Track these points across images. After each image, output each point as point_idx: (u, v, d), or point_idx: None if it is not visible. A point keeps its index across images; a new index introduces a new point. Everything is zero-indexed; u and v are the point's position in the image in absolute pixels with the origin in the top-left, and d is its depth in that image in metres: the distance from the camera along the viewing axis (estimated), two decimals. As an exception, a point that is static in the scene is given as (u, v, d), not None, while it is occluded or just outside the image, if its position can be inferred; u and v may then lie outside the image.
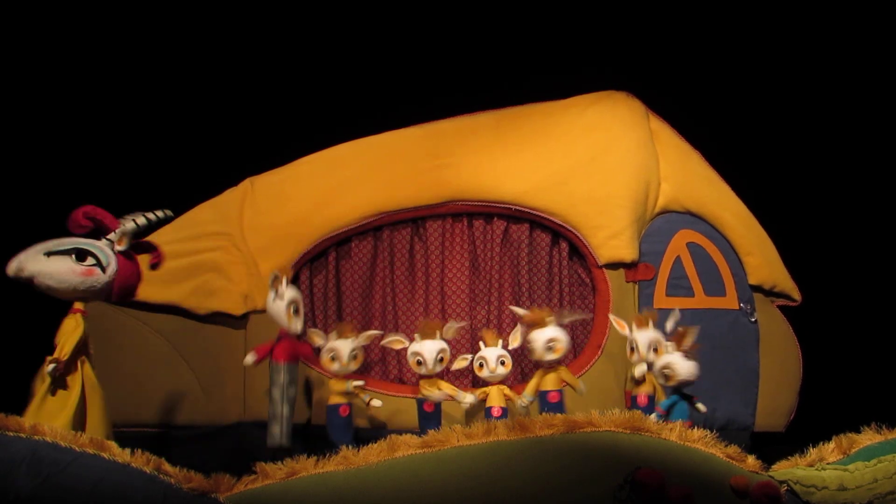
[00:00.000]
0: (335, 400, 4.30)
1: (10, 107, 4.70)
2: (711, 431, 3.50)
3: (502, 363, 4.34)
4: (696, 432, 3.44)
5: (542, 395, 4.30)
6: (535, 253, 4.91)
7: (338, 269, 4.86)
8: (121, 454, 3.23)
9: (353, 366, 4.32)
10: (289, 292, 4.12)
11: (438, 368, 4.33)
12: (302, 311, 4.16)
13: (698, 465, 3.35)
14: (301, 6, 5.20)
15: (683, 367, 4.08)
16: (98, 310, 4.61)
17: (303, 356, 4.25)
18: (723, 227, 4.96)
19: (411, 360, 4.32)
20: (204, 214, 4.80)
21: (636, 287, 4.82)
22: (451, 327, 4.38)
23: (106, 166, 4.98)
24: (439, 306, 4.82)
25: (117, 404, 4.47)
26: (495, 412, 4.29)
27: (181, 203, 4.80)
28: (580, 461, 3.30)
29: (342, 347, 4.29)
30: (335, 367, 4.29)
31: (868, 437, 3.54)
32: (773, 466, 3.50)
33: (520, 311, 4.43)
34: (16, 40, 4.94)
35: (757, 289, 4.96)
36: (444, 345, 4.33)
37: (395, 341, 4.41)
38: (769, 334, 4.93)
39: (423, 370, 4.29)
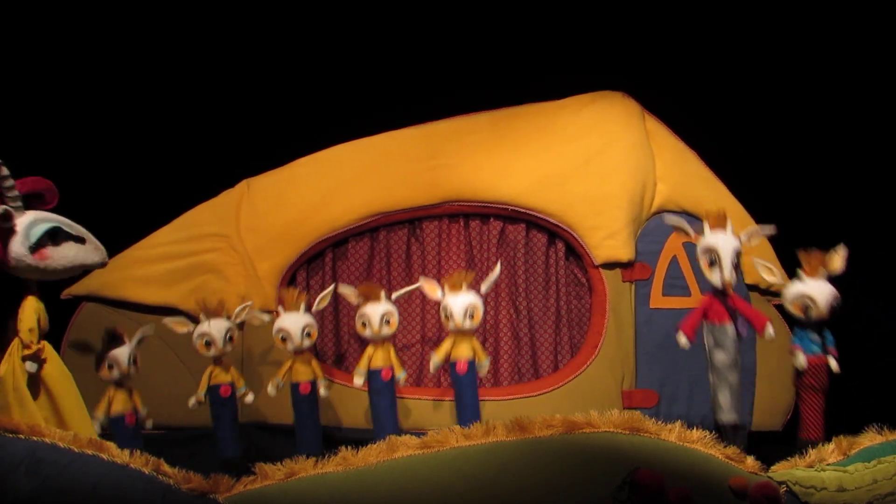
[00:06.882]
0: (297, 378, 4.21)
1: (10, 106, 4.68)
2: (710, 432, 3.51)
3: (471, 316, 4.20)
4: (695, 433, 3.44)
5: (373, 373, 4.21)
6: (531, 253, 4.92)
7: (334, 270, 4.87)
8: (119, 455, 3.25)
9: (307, 342, 4.22)
10: (714, 239, 4.05)
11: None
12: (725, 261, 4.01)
13: (697, 465, 3.35)
14: (299, 7, 5.19)
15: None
16: (95, 311, 4.65)
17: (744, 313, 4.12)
18: (719, 226, 4.95)
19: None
20: (201, 216, 4.83)
21: (633, 287, 4.82)
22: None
23: (105, 167, 4.99)
24: (436, 307, 4.81)
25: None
26: (460, 367, 4.18)
27: (178, 204, 4.84)
28: (579, 462, 3.31)
29: (293, 327, 4.17)
30: (289, 347, 4.20)
31: (868, 439, 3.54)
32: (772, 467, 3.49)
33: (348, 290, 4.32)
34: (16, 41, 4.94)
35: (753, 288, 4.96)
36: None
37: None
38: (766, 334, 4.93)
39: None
